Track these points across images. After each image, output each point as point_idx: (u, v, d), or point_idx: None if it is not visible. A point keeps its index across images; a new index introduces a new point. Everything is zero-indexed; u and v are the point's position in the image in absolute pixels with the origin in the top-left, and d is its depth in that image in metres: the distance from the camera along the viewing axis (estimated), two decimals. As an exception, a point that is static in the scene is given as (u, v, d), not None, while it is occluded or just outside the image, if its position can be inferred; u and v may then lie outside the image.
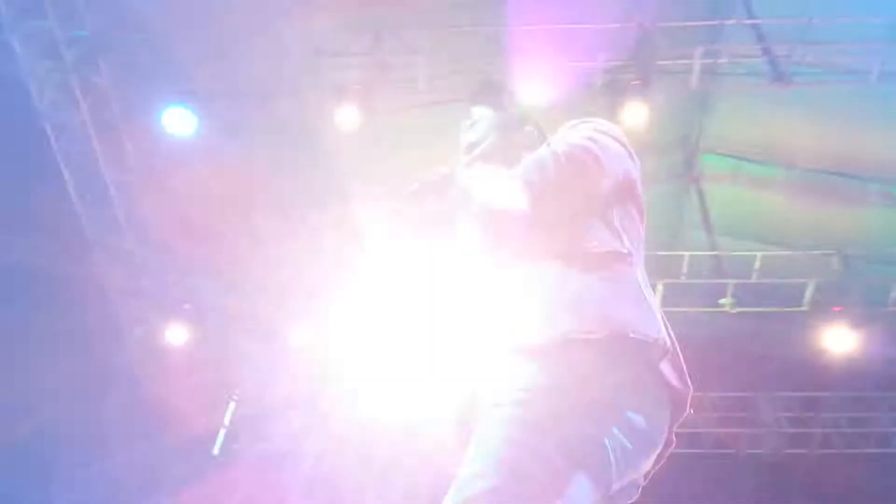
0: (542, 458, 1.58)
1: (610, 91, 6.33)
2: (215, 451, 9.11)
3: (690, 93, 6.55)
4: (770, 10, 6.24)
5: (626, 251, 1.94)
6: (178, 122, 6.71)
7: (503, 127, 2.32)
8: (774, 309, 7.75)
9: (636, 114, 6.15)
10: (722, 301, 7.78)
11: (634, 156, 2.10)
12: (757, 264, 7.59)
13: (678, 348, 1.84)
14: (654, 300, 1.92)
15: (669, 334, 1.85)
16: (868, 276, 7.74)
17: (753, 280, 7.68)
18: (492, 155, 2.23)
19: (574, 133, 2.08)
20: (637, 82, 6.22)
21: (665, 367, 1.81)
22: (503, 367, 1.81)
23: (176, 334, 8.22)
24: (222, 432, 9.20)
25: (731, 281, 7.71)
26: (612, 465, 1.64)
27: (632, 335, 1.74)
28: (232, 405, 9.28)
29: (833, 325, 7.74)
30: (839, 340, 7.73)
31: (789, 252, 7.71)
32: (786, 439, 8.94)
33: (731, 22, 6.30)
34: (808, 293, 7.73)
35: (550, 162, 1.98)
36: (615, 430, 1.66)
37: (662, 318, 1.88)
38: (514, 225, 1.99)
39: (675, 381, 1.82)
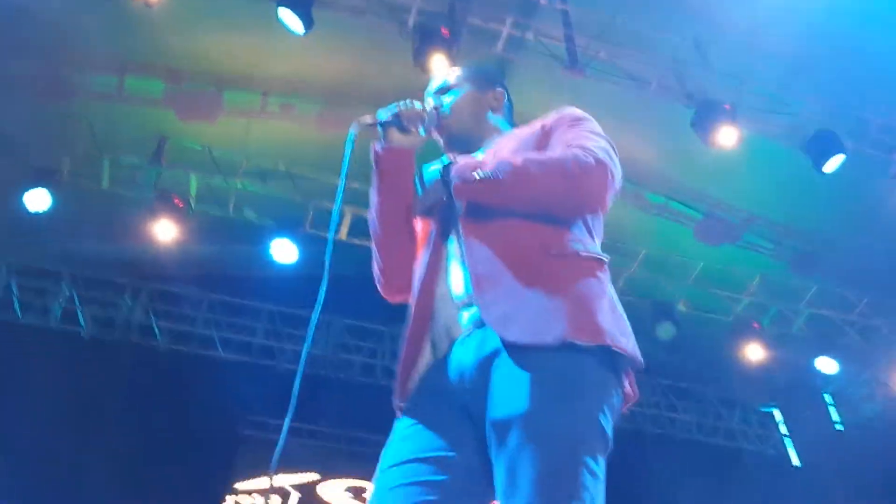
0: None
1: (419, 34, 6.36)
2: None
3: (493, 58, 6.74)
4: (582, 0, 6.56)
5: (605, 259, 1.97)
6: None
7: (478, 81, 2.39)
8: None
9: (438, 63, 6.24)
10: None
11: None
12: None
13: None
14: (622, 309, 1.93)
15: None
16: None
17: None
18: (463, 108, 2.30)
19: (593, 134, 2.06)
20: (446, 33, 6.30)
21: (625, 376, 1.89)
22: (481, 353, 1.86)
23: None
24: None
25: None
26: None
27: (614, 347, 1.79)
28: None
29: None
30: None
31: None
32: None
33: (543, 2, 6.54)
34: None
35: (584, 160, 1.94)
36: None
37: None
38: (517, 205, 1.97)
39: (628, 388, 1.91)
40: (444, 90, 2.36)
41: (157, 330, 9.35)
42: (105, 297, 9.14)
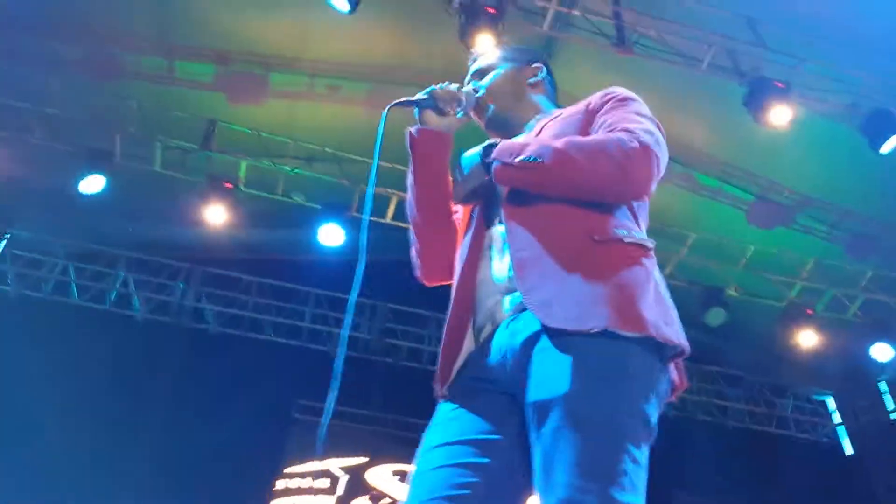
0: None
1: (465, 12, 6.33)
2: None
3: (539, 36, 6.68)
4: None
5: (650, 245, 1.92)
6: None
7: (515, 58, 2.36)
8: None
9: (484, 42, 6.20)
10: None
11: None
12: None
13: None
14: (668, 296, 1.89)
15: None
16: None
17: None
18: (501, 88, 2.27)
19: (639, 116, 2.00)
20: (492, 11, 6.25)
21: (671, 365, 1.85)
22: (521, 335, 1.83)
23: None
24: None
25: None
26: None
27: (657, 337, 1.74)
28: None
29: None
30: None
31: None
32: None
33: (590, -22, 6.46)
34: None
35: (628, 144, 1.89)
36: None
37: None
38: (562, 190, 1.92)
39: (674, 377, 1.87)
40: (482, 72, 2.33)
41: (208, 313, 9.48)
42: (158, 280, 9.29)
